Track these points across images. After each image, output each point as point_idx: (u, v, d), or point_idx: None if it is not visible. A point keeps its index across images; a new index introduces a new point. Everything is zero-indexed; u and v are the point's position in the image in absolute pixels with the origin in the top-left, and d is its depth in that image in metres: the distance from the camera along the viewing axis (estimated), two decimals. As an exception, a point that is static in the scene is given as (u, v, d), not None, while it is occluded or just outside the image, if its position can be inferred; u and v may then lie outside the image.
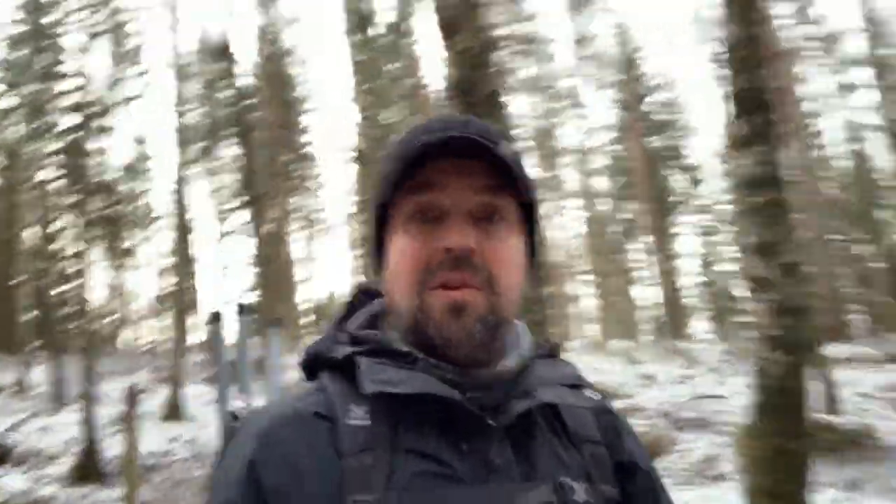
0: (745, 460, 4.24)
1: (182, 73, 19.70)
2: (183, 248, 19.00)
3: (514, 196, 0.83)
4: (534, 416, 0.83)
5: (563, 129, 34.78)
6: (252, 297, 22.93)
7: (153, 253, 32.68)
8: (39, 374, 17.30)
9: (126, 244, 29.22)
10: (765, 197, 3.42)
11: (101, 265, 28.38)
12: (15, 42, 18.59)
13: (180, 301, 17.61)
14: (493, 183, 0.81)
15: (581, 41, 32.29)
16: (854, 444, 8.07)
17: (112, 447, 10.16)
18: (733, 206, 23.87)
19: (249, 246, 25.74)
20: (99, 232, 19.84)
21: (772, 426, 3.87)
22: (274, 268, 28.09)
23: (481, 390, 0.80)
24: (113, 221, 21.42)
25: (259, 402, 1.06)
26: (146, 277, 42.11)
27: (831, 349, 13.99)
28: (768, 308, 3.71)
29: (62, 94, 16.30)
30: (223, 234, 28.51)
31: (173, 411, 13.74)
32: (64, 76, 16.61)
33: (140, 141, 28.93)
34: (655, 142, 33.32)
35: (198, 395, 14.84)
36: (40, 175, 18.51)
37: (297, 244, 36.37)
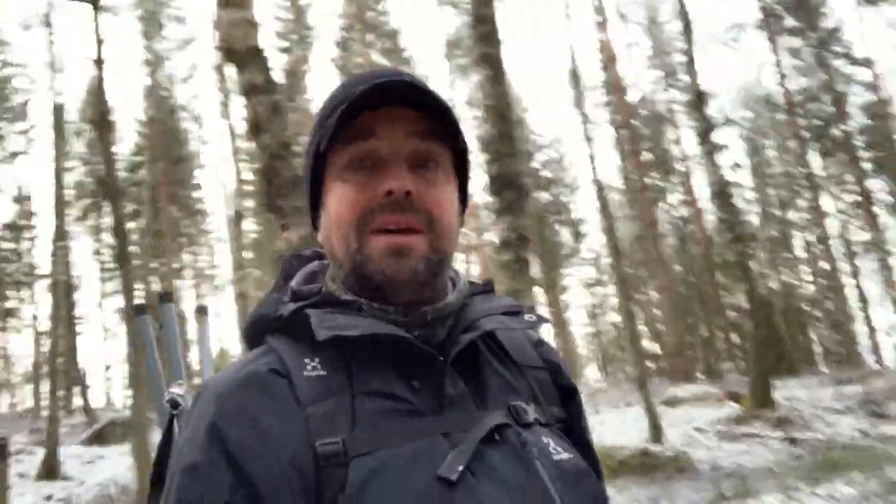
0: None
1: (62, 131, 20.09)
2: (65, 308, 19.11)
3: (446, 143, 0.86)
4: (479, 347, 0.87)
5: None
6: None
7: (35, 314, 32.01)
8: None
9: (6, 304, 28.66)
10: (510, 255, 4.70)
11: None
12: None
13: (55, 362, 17.69)
14: (428, 129, 0.84)
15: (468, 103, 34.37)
16: (667, 468, 9.52)
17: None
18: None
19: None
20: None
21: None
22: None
23: (427, 328, 0.84)
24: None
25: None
26: (27, 339, 40.72)
27: (682, 389, 15.69)
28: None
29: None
30: (103, 296, 28.34)
31: (50, 471, 13.89)
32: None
33: (21, 199, 28.75)
34: (543, 197, 35.39)
35: (76, 455, 15.01)
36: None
37: (187, 302, 36.28)
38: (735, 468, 9.70)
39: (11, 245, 28.54)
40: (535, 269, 31.33)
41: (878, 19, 28.51)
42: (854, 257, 36.41)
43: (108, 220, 27.63)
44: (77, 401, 25.64)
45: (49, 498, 11.99)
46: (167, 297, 1.51)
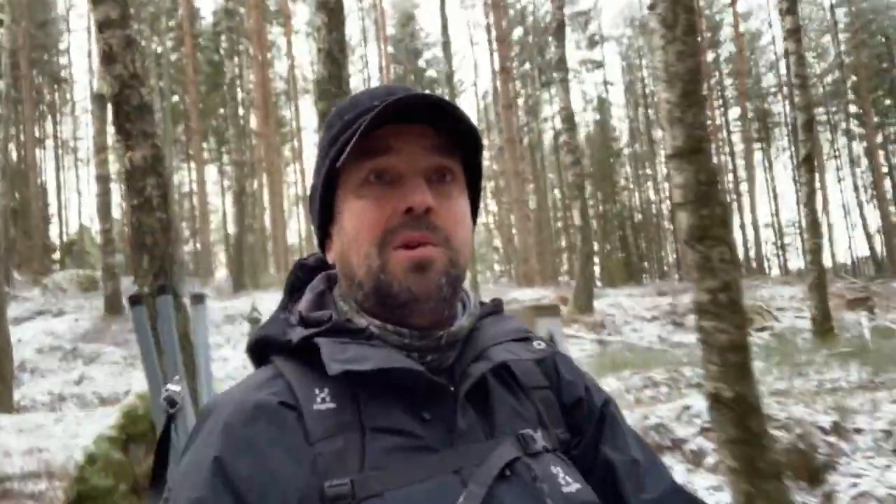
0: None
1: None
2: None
3: (460, 157, 0.87)
4: (487, 375, 0.85)
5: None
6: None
7: None
8: None
9: None
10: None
11: None
12: None
13: None
14: (444, 143, 0.84)
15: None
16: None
17: None
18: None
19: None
20: None
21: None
22: (22, 199, 27.46)
23: (439, 352, 0.84)
24: None
25: (187, 384, 1.06)
26: None
27: (522, 293, 17.47)
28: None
29: None
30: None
31: None
32: None
33: None
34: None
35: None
36: None
37: (49, 174, 35.24)
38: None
39: None
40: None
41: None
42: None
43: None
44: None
45: None
46: (163, 288, 1.39)
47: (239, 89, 31.68)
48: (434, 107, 0.81)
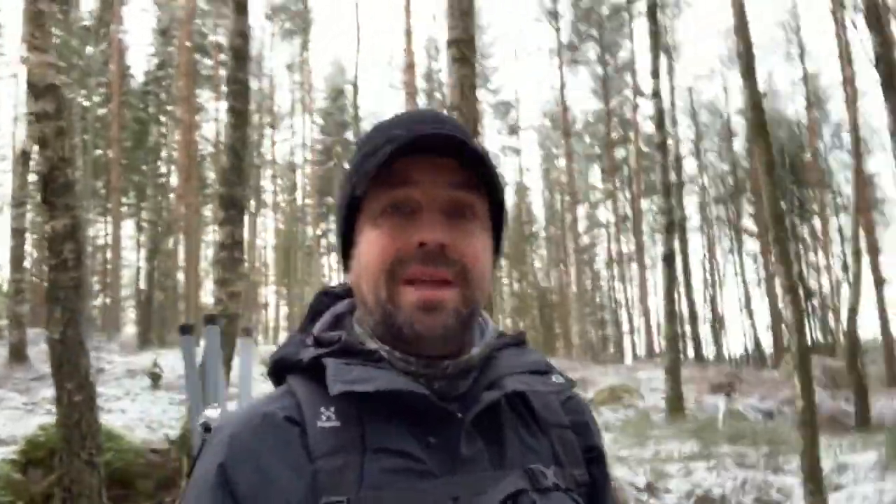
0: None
1: None
2: None
3: (483, 194, 0.88)
4: (500, 404, 0.86)
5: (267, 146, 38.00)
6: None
7: None
8: None
9: None
10: (227, 253, 6.99)
11: None
12: None
13: None
14: (466, 179, 0.85)
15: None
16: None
17: None
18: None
19: None
20: None
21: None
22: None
23: (447, 380, 0.85)
24: None
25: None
26: None
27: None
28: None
29: None
30: None
31: None
32: None
33: None
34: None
35: None
36: None
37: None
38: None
39: None
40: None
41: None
42: (614, 265, 42.01)
43: None
44: None
45: None
46: (212, 318, 1.42)
47: (163, 148, 32.53)
48: (456, 141, 0.82)
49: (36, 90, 6.08)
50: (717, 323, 38.63)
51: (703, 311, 38.40)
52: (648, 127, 37.43)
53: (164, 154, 33.09)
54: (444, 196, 0.84)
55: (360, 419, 0.81)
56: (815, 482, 6.71)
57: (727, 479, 9.01)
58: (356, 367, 0.82)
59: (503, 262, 46.20)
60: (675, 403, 13.13)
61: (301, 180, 41.21)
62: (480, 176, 0.86)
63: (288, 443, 0.79)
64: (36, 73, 6.10)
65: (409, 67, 31.01)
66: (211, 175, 39.01)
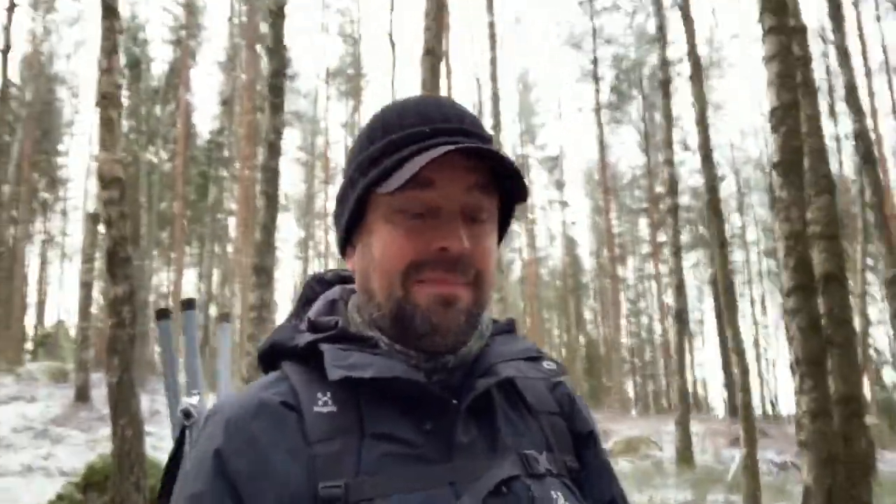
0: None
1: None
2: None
3: (495, 190, 0.88)
4: (492, 391, 0.88)
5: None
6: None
7: None
8: None
9: None
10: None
11: None
12: None
13: None
14: (484, 181, 0.85)
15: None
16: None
17: None
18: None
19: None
20: None
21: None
22: (6, 291, 29.67)
23: (445, 373, 0.86)
24: None
25: (211, 398, 1.10)
26: None
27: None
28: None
29: None
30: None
31: None
32: None
33: None
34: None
35: None
36: None
37: (34, 266, 37.69)
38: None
39: None
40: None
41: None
42: (667, 318, 42.34)
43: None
44: None
45: None
46: (190, 303, 1.50)
47: (224, 202, 34.72)
48: (481, 148, 0.82)
49: (104, 181, 7.68)
50: (759, 376, 38.63)
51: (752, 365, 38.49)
52: (695, 181, 38.30)
53: (224, 206, 35.24)
54: (462, 200, 0.85)
55: (357, 404, 0.82)
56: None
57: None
58: (354, 353, 0.84)
59: (552, 313, 47.07)
60: (684, 454, 13.91)
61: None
62: (499, 176, 0.87)
63: (285, 428, 0.80)
64: (104, 168, 7.71)
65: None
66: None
